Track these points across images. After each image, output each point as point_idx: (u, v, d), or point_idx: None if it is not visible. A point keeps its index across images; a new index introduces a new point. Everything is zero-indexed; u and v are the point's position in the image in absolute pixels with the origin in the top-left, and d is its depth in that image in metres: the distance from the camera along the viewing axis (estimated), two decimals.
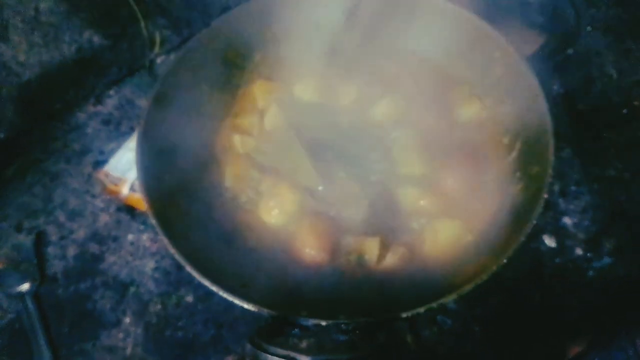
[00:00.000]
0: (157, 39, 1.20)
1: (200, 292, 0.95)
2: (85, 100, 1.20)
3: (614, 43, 1.16)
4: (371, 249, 0.82)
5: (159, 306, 0.95)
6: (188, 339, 0.92)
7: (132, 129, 1.15)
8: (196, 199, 0.87)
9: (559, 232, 0.98)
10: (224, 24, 0.98)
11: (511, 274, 0.91)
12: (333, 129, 0.95)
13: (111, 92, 1.21)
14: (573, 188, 1.03)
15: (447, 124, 0.95)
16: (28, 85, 1.09)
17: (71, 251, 1.02)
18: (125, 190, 1.02)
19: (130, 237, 1.03)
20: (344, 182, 0.88)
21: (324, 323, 0.68)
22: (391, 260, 0.82)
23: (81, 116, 1.18)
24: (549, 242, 0.97)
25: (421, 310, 0.68)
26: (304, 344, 0.68)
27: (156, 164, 0.84)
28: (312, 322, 0.69)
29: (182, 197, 0.85)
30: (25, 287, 0.97)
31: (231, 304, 0.69)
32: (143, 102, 1.17)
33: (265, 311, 0.69)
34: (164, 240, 0.74)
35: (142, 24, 1.17)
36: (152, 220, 0.76)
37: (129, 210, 1.05)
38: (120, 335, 0.93)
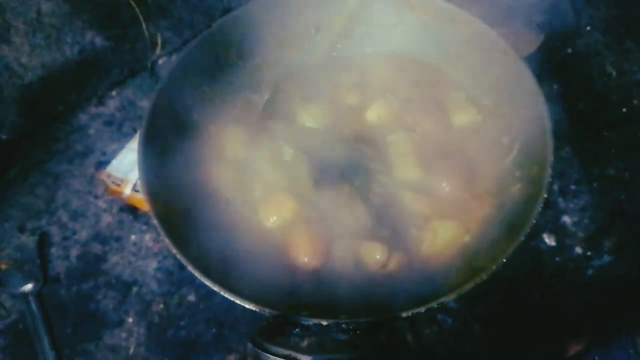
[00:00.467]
0: (159, 41, 1.21)
1: (202, 292, 0.96)
2: (87, 101, 1.20)
3: (613, 43, 1.16)
4: (371, 253, 0.82)
5: (161, 306, 0.96)
6: (190, 339, 0.92)
7: (134, 130, 1.16)
8: (198, 200, 0.87)
9: (559, 231, 0.98)
10: (226, 25, 0.98)
11: (511, 273, 0.91)
12: (328, 136, 0.95)
13: (113, 93, 1.22)
14: (573, 187, 1.03)
15: (444, 126, 0.95)
16: (30, 87, 1.10)
17: (74, 252, 1.02)
18: (127, 191, 1.03)
19: (132, 237, 1.03)
20: (341, 187, 0.88)
21: (324, 323, 0.68)
22: (391, 262, 0.82)
23: (83, 117, 1.19)
24: (549, 241, 0.97)
25: (421, 309, 0.68)
26: (305, 344, 0.68)
27: (158, 165, 0.84)
28: (313, 321, 0.69)
29: (184, 198, 0.85)
30: (28, 287, 0.97)
31: (233, 303, 0.70)
32: (145, 104, 1.18)
33: (266, 311, 0.69)
34: (166, 240, 0.75)
35: (144, 25, 1.17)
36: (154, 221, 0.76)
37: (132, 210, 1.06)
38: (123, 335, 0.94)
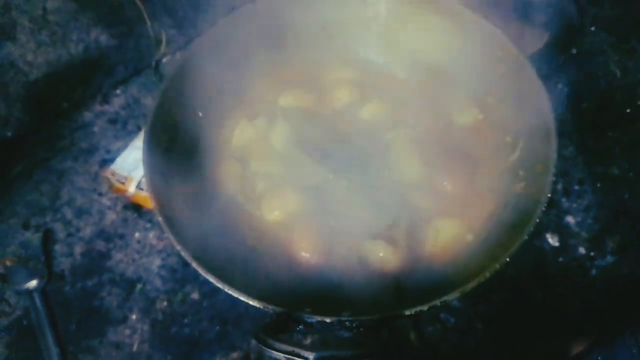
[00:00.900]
0: (163, 39, 1.21)
1: (205, 289, 0.96)
2: (92, 99, 1.21)
3: (617, 42, 1.16)
4: (374, 250, 0.82)
5: (165, 303, 0.96)
6: (194, 336, 0.93)
7: (138, 128, 1.16)
8: (202, 197, 0.88)
9: (562, 230, 0.98)
10: (230, 23, 0.98)
11: (514, 272, 0.91)
12: (330, 133, 0.96)
13: (118, 91, 1.23)
14: (576, 187, 1.03)
15: (446, 124, 0.95)
16: (35, 84, 1.11)
17: (78, 249, 1.03)
18: (131, 189, 1.03)
19: (136, 234, 1.04)
20: (343, 185, 0.89)
21: (328, 320, 0.69)
22: (394, 260, 0.82)
23: (88, 115, 1.19)
24: (552, 240, 0.97)
25: (425, 307, 0.68)
26: (308, 341, 0.68)
27: (163, 163, 0.84)
28: (316, 318, 0.69)
29: (189, 195, 0.86)
30: (33, 284, 0.98)
31: (236, 300, 0.70)
32: (149, 101, 1.18)
33: (269, 308, 0.69)
34: (170, 237, 0.75)
35: (149, 23, 1.17)
36: (158, 218, 0.76)
37: (136, 208, 1.06)
38: (127, 332, 0.94)
